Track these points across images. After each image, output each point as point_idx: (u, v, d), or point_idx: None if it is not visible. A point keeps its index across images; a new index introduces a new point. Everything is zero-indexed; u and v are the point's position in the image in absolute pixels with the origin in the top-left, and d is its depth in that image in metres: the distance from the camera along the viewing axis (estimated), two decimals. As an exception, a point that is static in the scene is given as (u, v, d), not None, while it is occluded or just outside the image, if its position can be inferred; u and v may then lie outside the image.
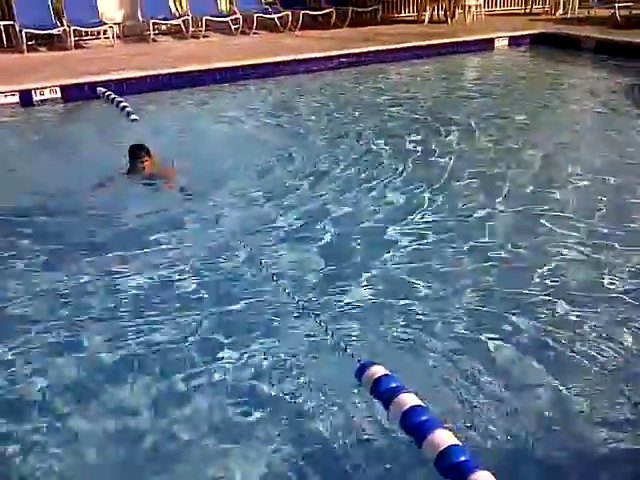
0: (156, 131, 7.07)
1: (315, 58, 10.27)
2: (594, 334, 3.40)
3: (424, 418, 2.46)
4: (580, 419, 2.85)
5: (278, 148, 6.52)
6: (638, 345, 3.31)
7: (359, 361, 2.90)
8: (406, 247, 4.43)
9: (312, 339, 3.37)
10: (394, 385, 2.65)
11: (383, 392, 2.65)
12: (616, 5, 12.21)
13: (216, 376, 3.12)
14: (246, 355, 3.26)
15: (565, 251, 4.30)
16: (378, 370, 2.74)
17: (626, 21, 12.19)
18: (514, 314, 3.57)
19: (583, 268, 4.12)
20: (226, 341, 3.38)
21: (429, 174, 5.82)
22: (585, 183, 5.58)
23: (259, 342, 3.37)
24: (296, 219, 4.88)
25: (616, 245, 4.36)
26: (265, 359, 3.23)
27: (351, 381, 2.85)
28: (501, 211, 5.00)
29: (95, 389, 3.07)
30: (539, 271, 4.03)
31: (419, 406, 2.52)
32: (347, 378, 2.88)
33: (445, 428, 2.43)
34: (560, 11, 14.32)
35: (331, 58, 10.41)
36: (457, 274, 4.04)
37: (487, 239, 4.53)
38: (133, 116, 7.11)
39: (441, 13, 13.80)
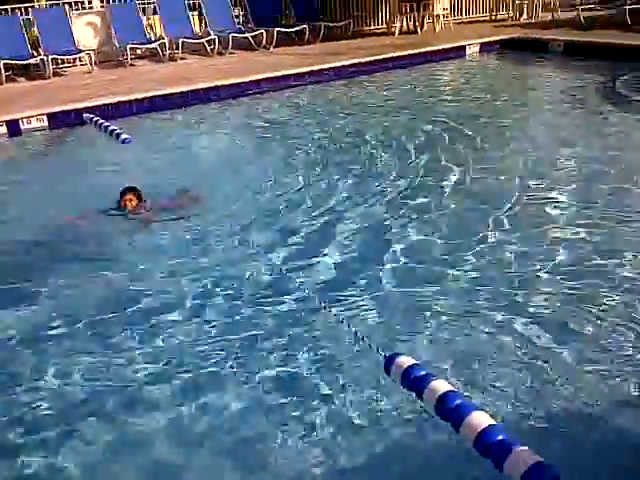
0: (148, 153, 7.20)
1: (294, 74, 10.44)
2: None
3: (459, 402, 2.61)
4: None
5: (266, 166, 6.67)
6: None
7: (385, 355, 3.04)
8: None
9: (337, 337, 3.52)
10: (424, 373, 2.80)
11: (414, 381, 2.79)
12: (579, 8, 12.66)
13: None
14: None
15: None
16: (406, 360, 2.89)
17: (590, 23, 12.63)
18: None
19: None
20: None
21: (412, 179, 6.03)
22: (562, 176, 5.86)
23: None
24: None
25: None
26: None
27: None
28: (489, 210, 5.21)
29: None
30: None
31: (452, 391, 2.67)
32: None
33: (480, 410, 2.59)
34: (524, 16, 14.74)
35: (311, 73, 10.60)
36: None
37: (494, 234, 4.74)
38: (124, 136, 7.21)
39: (410, 24, 14.11)
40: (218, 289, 4.19)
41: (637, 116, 7.88)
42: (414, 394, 2.79)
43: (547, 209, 5.14)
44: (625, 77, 9.37)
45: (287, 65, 10.83)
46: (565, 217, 4.99)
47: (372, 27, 14.84)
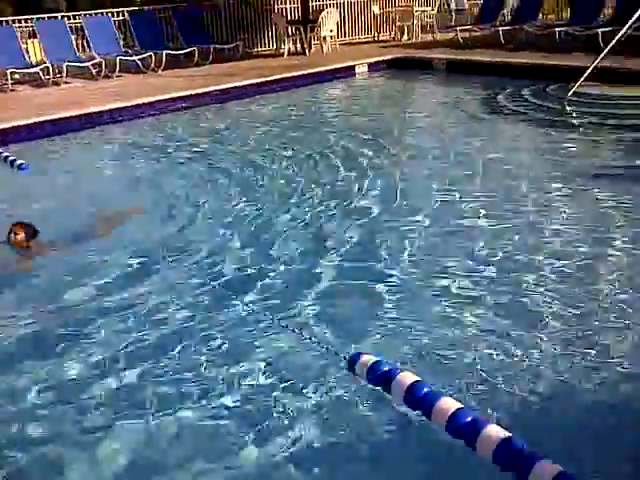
0: (44, 179, 6.88)
1: (184, 96, 10.33)
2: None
3: (427, 390, 2.68)
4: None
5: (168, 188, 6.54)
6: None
7: (345, 357, 3.07)
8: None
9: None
10: (388, 368, 2.85)
11: (380, 377, 2.83)
12: (457, 29, 13.47)
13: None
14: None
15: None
16: (369, 358, 2.93)
17: (468, 42, 13.47)
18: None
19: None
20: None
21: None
22: (452, 178, 6.23)
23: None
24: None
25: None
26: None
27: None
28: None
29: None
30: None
31: (419, 381, 2.74)
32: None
33: (447, 396, 2.67)
34: (405, 37, 15.45)
35: (203, 94, 10.54)
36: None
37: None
38: (19, 161, 6.87)
39: (299, 45, 14.40)
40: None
41: (514, 124, 8.52)
42: (381, 389, 2.84)
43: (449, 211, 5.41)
44: (504, 91, 10.03)
45: (176, 88, 10.71)
46: (467, 213, 5.32)
47: (261, 49, 15.01)
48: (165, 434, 2.91)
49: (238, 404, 3.08)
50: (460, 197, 5.74)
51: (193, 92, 10.52)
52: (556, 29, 12.65)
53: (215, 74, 11.96)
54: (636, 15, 9.74)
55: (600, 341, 3.43)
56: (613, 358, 3.29)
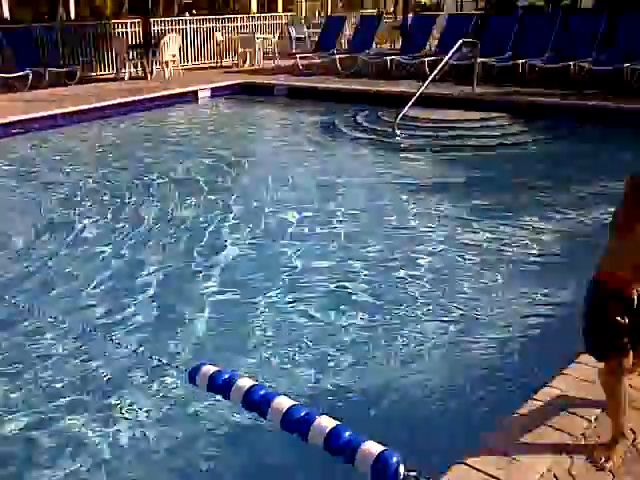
0: None
1: (18, 121, 9.87)
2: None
3: (263, 392, 2.83)
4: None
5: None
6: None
7: (186, 370, 3.15)
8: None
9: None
10: (227, 376, 2.96)
11: (221, 385, 2.94)
12: (297, 56, 14.03)
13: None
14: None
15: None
16: (209, 368, 3.03)
17: (307, 69, 14.04)
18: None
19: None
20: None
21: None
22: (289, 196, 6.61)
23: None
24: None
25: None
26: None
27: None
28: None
29: None
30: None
31: (257, 385, 2.88)
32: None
33: (283, 395, 2.84)
34: (247, 63, 15.78)
35: (34, 120, 10.11)
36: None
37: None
38: None
39: (140, 70, 14.23)
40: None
41: (349, 146, 9.05)
42: (222, 397, 2.95)
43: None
44: (341, 115, 10.57)
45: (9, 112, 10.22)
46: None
47: (101, 73, 14.65)
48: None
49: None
50: (297, 215, 6.07)
51: (28, 117, 10.07)
52: (387, 58, 13.51)
53: (50, 99, 11.52)
54: (455, 47, 10.73)
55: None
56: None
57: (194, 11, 20.63)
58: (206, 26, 16.15)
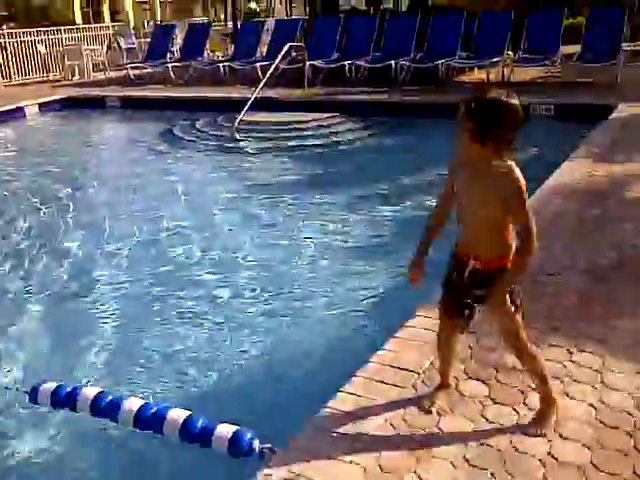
0: None
1: None
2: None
3: (111, 398, 2.89)
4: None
5: None
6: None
7: (25, 392, 3.11)
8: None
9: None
10: (70, 389, 2.98)
11: (65, 399, 2.95)
12: (128, 67, 13.78)
13: None
14: None
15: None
16: (49, 385, 3.02)
17: (139, 79, 13.85)
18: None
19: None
20: None
21: None
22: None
23: None
24: None
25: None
26: None
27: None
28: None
29: None
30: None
31: (103, 392, 2.93)
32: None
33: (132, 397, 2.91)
34: (77, 77, 15.23)
35: None
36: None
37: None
38: None
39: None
40: None
41: (190, 153, 9.04)
42: (70, 410, 2.95)
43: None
44: (179, 123, 10.55)
45: None
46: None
47: None
48: None
49: None
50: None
51: None
52: (221, 64, 13.65)
53: None
54: (283, 51, 11.11)
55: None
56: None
57: (11, 24, 19.53)
58: (27, 39, 15.37)
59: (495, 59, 11.53)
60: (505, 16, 12.22)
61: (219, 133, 9.76)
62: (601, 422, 2.53)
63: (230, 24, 22.71)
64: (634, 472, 2.27)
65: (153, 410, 2.82)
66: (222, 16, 33.56)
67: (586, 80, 11.05)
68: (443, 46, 12.08)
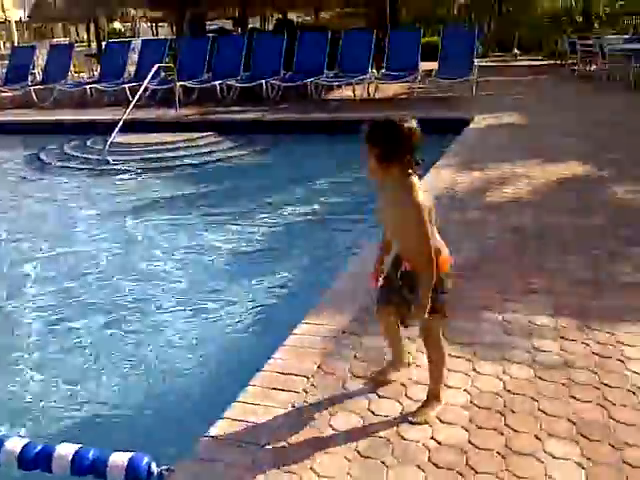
0: None
1: None
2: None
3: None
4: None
5: None
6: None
7: None
8: None
9: None
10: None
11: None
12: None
13: None
14: None
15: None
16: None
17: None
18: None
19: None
20: None
21: None
22: None
23: None
24: None
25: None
26: None
27: None
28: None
29: None
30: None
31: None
32: None
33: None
34: None
35: None
36: None
37: None
38: None
39: None
40: None
41: (61, 178, 8.71)
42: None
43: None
44: (46, 148, 10.18)
45: None
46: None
47: None
48: None
49: None
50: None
51: None
52: (87, 86, 13.30)
53: None
54: (152, 72, 11.05)
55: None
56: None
57: None
58: None
59: (360, 76, 12.08)
60: (367, 35, 12.83)
61: (90, 156, 9.52)
62: (476, 405, 2.78)
63: (94, 44, 22.17)
64: (506, 446, 2.53)
65: (38, 449, 2.73)
66: (84, 36, 32.62)
67: (445, 95, 11.83)
68: (310, 65, 12.49)
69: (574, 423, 2.65)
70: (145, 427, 3.23)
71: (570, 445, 2.53)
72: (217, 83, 12.49)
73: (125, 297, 4.85)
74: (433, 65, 12.49)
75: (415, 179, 2.52)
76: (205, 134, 10.35)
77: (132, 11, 24.55)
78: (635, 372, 2.98)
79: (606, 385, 2.89)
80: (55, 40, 27.05)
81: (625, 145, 7.74)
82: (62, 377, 3.78)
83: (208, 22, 21.13)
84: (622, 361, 3.08)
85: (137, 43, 15.83)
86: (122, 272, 5.34)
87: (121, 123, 9.74)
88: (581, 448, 2.50)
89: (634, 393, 2.83)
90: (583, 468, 2.40)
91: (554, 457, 2.46)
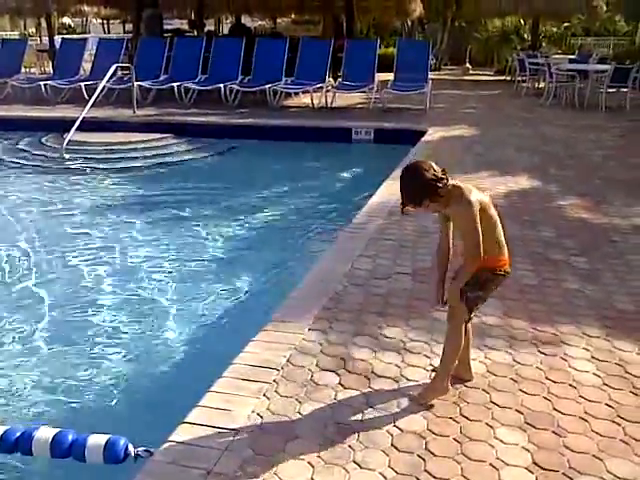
0: None
1: None
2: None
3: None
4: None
5: None
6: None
7: None
8: None
9: None
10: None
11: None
12: None
13: None
14: None
15: None
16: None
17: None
18: None
19: None
20: None
21: None
22: None
23: None
24: None
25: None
26: None
27: None
28: None
29: None
30: None
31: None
32: None
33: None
34: None
35: None
36: None
37: None
38: None
39: None
40: None
41: (16, 176, 8.66)
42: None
43: None
44: (1, 144, 10.06)
45: None
46: None
47: None
48: None
49: None
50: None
51: None
52: (42, 82, 13.12)
53: None
54: (110, 71, 11.02)
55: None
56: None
57: None
58: None
59: (318, 85, 12.32)
60: (325, 44, 13.08)
61: (47, 154, 9.46)
62: (433, 396, 3.02)
63: (46, 39, 21.79)
64: (461, 432, 2.77)
65: (19, 433, 2.83)
66: (32, 30, 31.85)
67: (400, 106, 12.17)
68: (269, 71, 12.65)
69: (522, 413, 2.90)
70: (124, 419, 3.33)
71: (518, 432, 2.78)
72: (175, 85, 12.52)
73: (63, 306, 4.81)
74: (390, 76, 12.83)
75: (454, 188, 2.74)
76: (163, 135, 10.40)
77: (85, 7, 24.19)
78: (576, 369, 3.27)
79: (551, 380, 3.17)
80: (3, 33, 26.39)
81: (572, 161, 8.17)
82: None
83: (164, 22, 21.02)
84: (564, 359, 3.37)
85: (93, 41, 15.71)
86: (68, 277, 5.37)
87: (79, 121, 9.71)
88: (528, 435, 2.76)
89: (575, 387, 3.11)
90: (529, 452, 2.65)
91: (504, 443, 2.71)
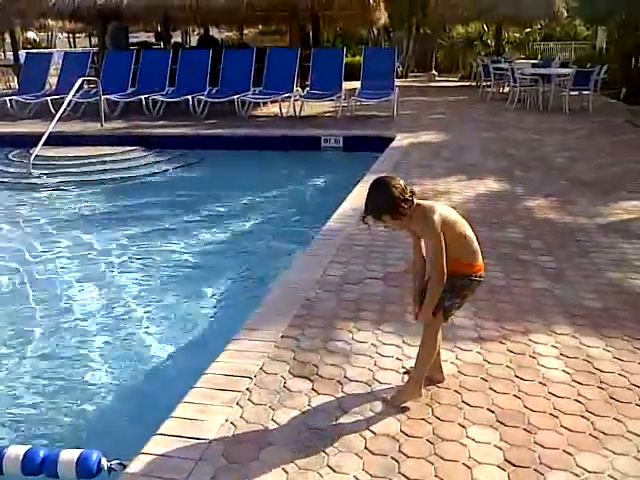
0: None
1: None
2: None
3: None
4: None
5: None
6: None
7: None
8: None
9: None
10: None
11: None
12: None
13: None
14: None
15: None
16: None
17: None
18: None
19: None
20: None
21: None
22: None
23: None
24: None
25: None
26: None
27: None
28: None
29: None
30: None
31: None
32: None
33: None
34: None
35: None
36: None
37: None
38: None
39: None
40: None
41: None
42: None
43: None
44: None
45: None
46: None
47: None
48: None
49: None
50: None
51: None
52: (7, 98, 12.95)
53: None
54: (76, 85, 10.94)
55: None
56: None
57: None
58: None
59: (286, 94, 12.36)
60: (291, 54, 13.13)
61: (13, 170, 9.35)
62: (405, 398, 3.04)
63: (10, 54, 21.54)
64: (434, 433, 2.79)
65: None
66: (-5, 45, 31.50)
67: (368, 114, 12.27)
68: (237, 81, 12.66)
69: (493, 412, 2.94)
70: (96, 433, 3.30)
71: (490, 431, 2.81)
72: (142, 97, 12.46)
73: (34, 321, 4.75)
74: (357, 84, 12.92)
75: (418, 207, 2.79)
76: (131, 148, 10.34)
77: (50, 22, 23.98)
78: (545, 366, 3.32)
79: (520, 378, 3.22)
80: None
81: (537, 162, 8.31)
82: None
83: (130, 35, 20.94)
84: (533, 357, 3.42)
85: (59, 55, 15.57)
86: (37, 291, 5.31)
87: (46, 136, 9.60)
88: (499, 434, 2.79)
89: (544, 384, 3.16)
90: (501, 450, 2.69)
91: (476, 442, 2.74)
